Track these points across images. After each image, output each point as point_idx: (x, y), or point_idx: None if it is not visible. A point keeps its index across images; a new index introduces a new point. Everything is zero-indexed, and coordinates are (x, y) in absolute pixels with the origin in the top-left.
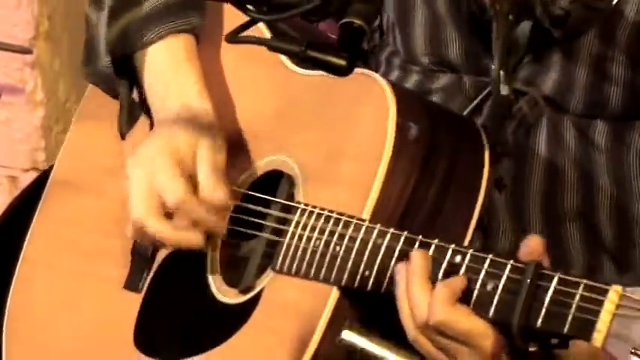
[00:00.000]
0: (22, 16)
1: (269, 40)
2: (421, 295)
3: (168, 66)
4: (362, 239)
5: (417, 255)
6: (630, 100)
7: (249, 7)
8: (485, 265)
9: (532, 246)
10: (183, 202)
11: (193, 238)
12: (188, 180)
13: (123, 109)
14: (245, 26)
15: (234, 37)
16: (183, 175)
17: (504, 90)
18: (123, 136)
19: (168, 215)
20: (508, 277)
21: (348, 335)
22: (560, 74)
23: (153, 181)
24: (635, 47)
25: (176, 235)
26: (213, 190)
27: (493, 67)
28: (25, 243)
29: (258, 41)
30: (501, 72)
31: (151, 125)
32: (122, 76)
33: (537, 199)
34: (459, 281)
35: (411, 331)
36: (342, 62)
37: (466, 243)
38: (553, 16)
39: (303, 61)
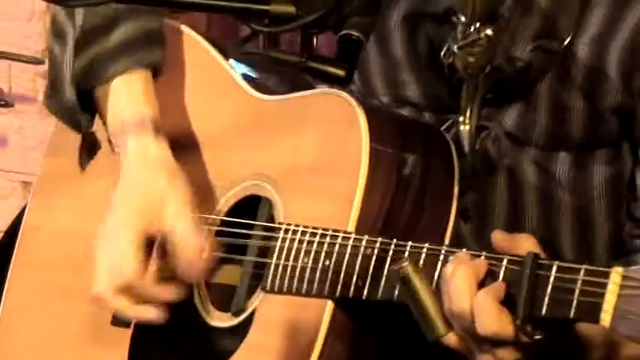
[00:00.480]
0: (34, 28)
1: (271, 50)
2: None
3: (126, 104)
4: (351, 251)
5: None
6: (589, 131)
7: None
8: (495, 264)
9: (498, 239)
10: (133, 283)
11: (150, 314)
12: (146, 259)
13: (84, 141)
14: (248, 39)
15: (239, 50)
16: (141, 255)
17: (467, 127)
18: (83, 168)
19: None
20: (507, 268)
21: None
22: (521, 111)
23: (115, 257)
24: (590, 82)
25: (133, 311)
26: (188, 273)
27: (461, 119)
28: (4, 290)
29: (261, 53)
30: (464, 125)
31: (112, 149)
32: (85, 109)
33: (499, 225)
34: (500, 288)
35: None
36: (341, 72)
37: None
38: (516, 68)
39: (303, 71)
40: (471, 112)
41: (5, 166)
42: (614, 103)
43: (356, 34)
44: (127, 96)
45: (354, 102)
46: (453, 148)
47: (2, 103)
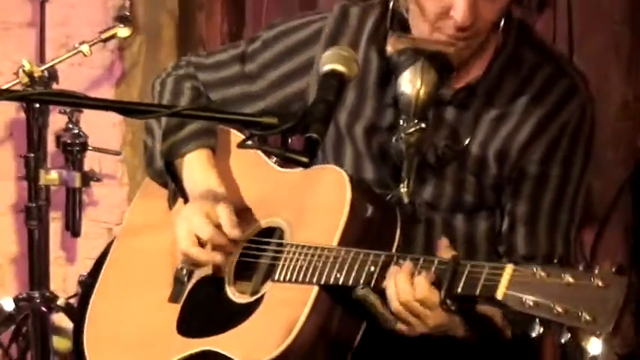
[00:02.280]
0: (116, 132)
1: (263, 145)
2: (406, 283)
3: (198, 170)
4: (334, 256)
5: (397, 267)
6: (477, 200)
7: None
8: (426, 264)
9: (444, 245)
10: (212, 236)
11: (218, 258)
12: (214, 225)
13: (170, 192)
14: (248, 138)
15: (243, 145)
16: (211, 223)
17: (406, 200)
18: (170, 208)
19: (202, 246)
20: (437, 265)
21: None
22: (434, 187)
23: (192, 227)
24: (478, 169)
25: (207, 256)
26: (231, 229)
27: (403, 190)
28: (100, 275)
29: (257, 146)
30: (403, 189)
31: (185, 202)
32: (169, 173)
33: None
34: (429, 275)
35: (396, 304)
36: (305, 159)
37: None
38: (437, 156)
39: (282, 158)
40: (407, 183)
41: (97, 218)
42: (492, 183)
43: (315, 136)
44: (194, 165)
45: (341, 171)
46: (397, 210)
47: (96, 178)
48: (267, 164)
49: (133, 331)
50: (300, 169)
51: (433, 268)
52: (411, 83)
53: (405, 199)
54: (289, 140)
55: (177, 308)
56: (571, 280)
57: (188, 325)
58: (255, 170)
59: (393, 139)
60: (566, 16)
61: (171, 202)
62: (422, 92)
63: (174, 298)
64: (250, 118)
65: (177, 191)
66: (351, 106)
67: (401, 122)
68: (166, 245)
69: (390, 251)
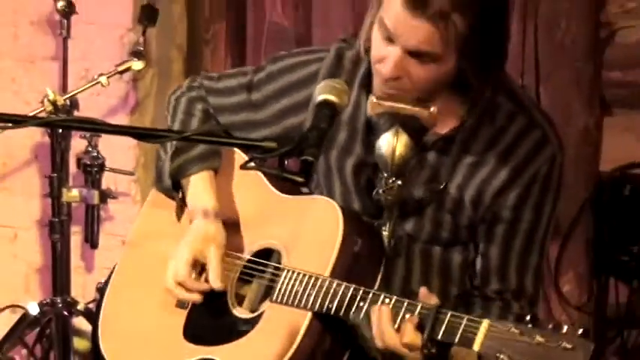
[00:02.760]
0: (130, 155)
1: (264, 167)
2: (392, 327)
3: (200, 191)
4: (327, 287)
5: (384, 308)
6: (453, 237)
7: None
8: (410, 306)
9: (423, 295)
10: (182, 280)
11: (195, 298)
12: (195, 266)
13: (177, 207)
14: (250, 160)
15: (245, 166)
16: (192, 265)
17: (386, 232)
18: (178, 219)
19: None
20: (421, 309)
21: None
22: (414, 222)
23: (176, 267)
24: (455, 209)
25: (182, 295)
26: (214, 280)
27: (385, 232)
28: (111, 279)
29: (258, 167)
30: (385, 232)
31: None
32: (176, 190)
33: (399, 283)
34: (414, 319)
35: (380, 343)
36: (300, 179)
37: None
38: (418, 196)
39: (280, 178)
40: (389, 223)
41: (113, 232)
42: (467, 222)
43: (310, 158)
44: (198, 186)
45: (334, 204)
46: (383, 237)
47: (112, 196)
48: (266, 186)
49: (144, 331)
50: (298, 196)
51: (417, 312)
52: (387, 145)
53: (386, 241)
54: (286, 162)
55: (183, 314)
56: (541, 339)
57: (193, 332)
58: (255, 191)
59: (374, 193)
60: (533, 54)
61: (179, 212)
62: (397, 154)
63: (181, 304)
64: (252, 143)
65: (183, 205)
66: (342, 144)
67: (380, 178)
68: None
69: (374, 280)
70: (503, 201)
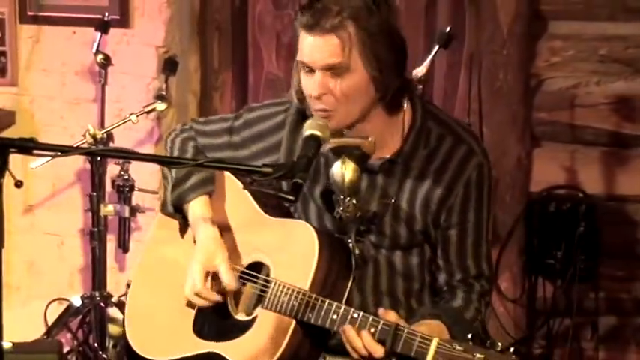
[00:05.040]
0: (154, 178)
1: (261, 187)
2: (357, 338)
3: (198, 214)
4: (307, 300)
5: (348, 328)
6: (410, 242)
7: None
8: (374, 322)
9: (382, 313)
10: (199, 290)
11: (205, 304)
12: (206, 276)
13: (180, 225)
14: (251, 182)
15: (246, 187)
16: (205, 276)
17: (357, 251)
18: (182, 237)
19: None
20: (382, 326)
21: None
22: (376, 233)
23: (192, 279)
24: (408, 219)
25: (199, 303)
26: (229, 282)
27: (351, 244)
28: (132, 279)
29: (257, 188)
30: (351, 244)
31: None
32: (178, 214)
33: (370, 284)
34: (375, 334)
35: (350, 349)
36: (292, 198)
37: (343, 300)
38: (375, 212)
39: (275, 197)
40: (353, 236)
41: (141, 239)
42: (420, 228)
43: (299, 181)
44: (196, 210)
45: (311, 228)
46: (352, 261)
47: (140, 211)
48: (254, 207)
49: (160, 324)
50: (280, 218)
51: (379, 327)
52: (338, 173)
53: (356, 251)
54: (281, 184)
55: (192, 313)
56: (480, 356)
57: (201, 328)
58: (244, 211)
59: (335, 212)
60: (477, 98)
61: (182, 229)
62: (347, 179)
63: (190, 304)
64: (252, 168)
65: (186, 225)
66: (311, 176)
67: (338, 200)
68: (184, 258)
69: (345, 286)
70: (449, 208)
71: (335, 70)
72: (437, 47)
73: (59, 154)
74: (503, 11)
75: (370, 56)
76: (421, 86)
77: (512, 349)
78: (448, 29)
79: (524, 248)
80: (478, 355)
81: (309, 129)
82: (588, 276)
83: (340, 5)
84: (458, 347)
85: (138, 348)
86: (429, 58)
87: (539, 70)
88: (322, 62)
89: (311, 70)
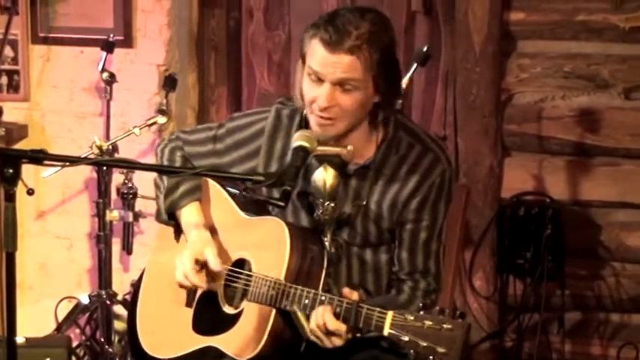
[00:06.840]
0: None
1: (254, 194)
2: (322, 317)
3: (190, 219)
4: (283, 289)
5: (326, 301)
6: (379, 240)
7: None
8: (339, 302)
9: (347, 293)
10: (189, 274)
11: (194, 285)
12: (197, 264)
13: (174, 232)
14: (244, 189)
15: (242, 194)
16: (194, 262)
17: (328, 241)
18: (177, 241)
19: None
20: (345, 305)
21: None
22: (349, 232)
23: (183, 265)
24: (377, 218)
25: (190, 286)
26: (215, 266)
27: (327, 242)
28: (142, 280)
29: (250, 195)
30: (327, 242)
31: (184, 235)
32: (172, 221)
33: (343, 279)
34: (337, 313)
35: (313, 327)
36: (282, 204)
37: (319, 290)
38: (348, 212)
39: (267, 202)
40: (329, 235)
41: (143, 242)
42: (388, 227)
43: (289, 189)
44: (187, 215)
45: (282, 222)
46: (324, 254)
47: (143, 216)
48: (235, 210)
49: (166, 321)
50: (256, 217)
51: (343, 306)
52: (319, 179)
53: (332, 249)
54: (271, 190)
55: (190, 311)
56: (430, 323)
57: (199, 325)
58: (227, 213)
59: (314, 215)
60: (453, 112)
61: (176, 235)
62: (328, 185)
63: (188, 304)
64: (246, 177)
65: (180, 231)
66: None
67: (317, 203)
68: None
69: (319, 277)
70: (409, 207)
71: (346, 86)
72: (415, 65)
73: (68, 164)
74: (475, 32)
75: (379, 81)
76: (401, 101)
77: (458, 312)
78: (425, 48)
79: (496, 249)
80: (427, 323)
81: (298, 140)
82: (555, 275)
83: (357, 26)
84: (410, 317)
85: (149, 349)
86: (408, 75)
87: (509, 85)
88: (335, 76)
89: (320, 80)
